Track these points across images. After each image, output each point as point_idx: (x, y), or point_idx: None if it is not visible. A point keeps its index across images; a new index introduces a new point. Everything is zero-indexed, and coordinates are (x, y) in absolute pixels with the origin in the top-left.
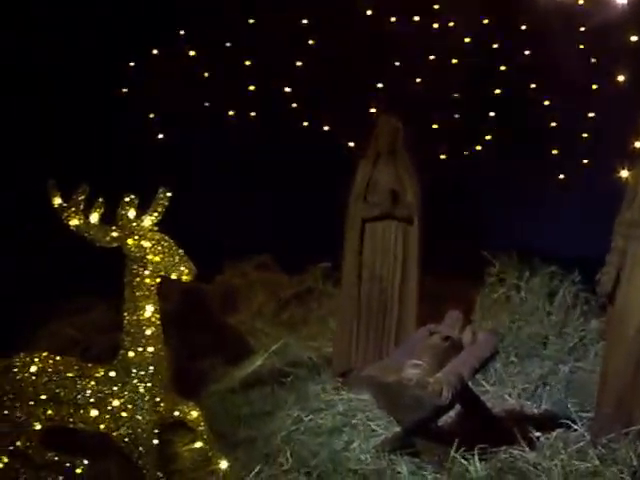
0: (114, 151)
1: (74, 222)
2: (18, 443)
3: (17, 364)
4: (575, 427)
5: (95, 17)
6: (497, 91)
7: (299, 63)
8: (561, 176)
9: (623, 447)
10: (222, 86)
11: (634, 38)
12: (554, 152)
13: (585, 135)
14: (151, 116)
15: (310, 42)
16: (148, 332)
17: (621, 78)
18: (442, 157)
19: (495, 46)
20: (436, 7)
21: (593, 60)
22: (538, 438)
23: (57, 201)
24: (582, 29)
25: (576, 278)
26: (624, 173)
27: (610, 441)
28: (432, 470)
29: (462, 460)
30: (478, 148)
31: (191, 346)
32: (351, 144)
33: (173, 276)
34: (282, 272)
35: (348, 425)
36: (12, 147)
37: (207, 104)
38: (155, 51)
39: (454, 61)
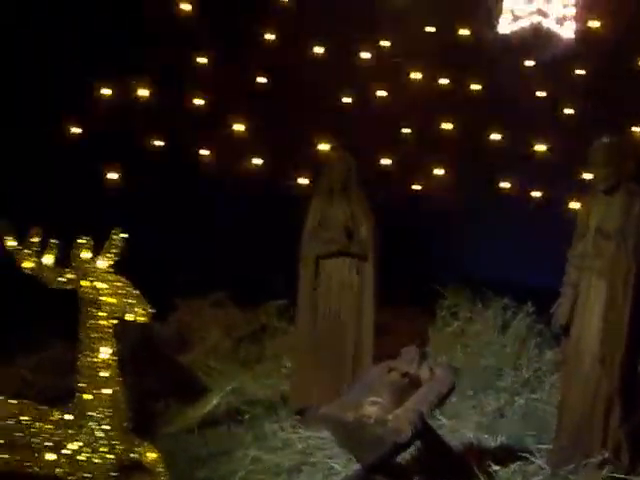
0: (67, 192)
1: (28, 264)
2: None
3: None
4: (533, 459)
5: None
6: (448, 126)
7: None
8: (514, 209)
9: (582, 478)
10: (168, 122)
11: (581, 72)
12: (506, 185)
13: (537, 167)
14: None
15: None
16: (104, 374)
17: (570, 111)
18: (394, 192)
19: (445, 81)
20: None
21: (543, 93)
22: (497, 471)
23: (10, 243)
24: (532, 63)
25: (529, 309)
26: (574, 204)
27: (569, 473)
28: None
29: None
30: (428, 183)
31: (146, 386)
32: (304, 181)
33: (129, 317)
34: (237, 309)
35: (307, 464)
36: None
37: (157, 143)
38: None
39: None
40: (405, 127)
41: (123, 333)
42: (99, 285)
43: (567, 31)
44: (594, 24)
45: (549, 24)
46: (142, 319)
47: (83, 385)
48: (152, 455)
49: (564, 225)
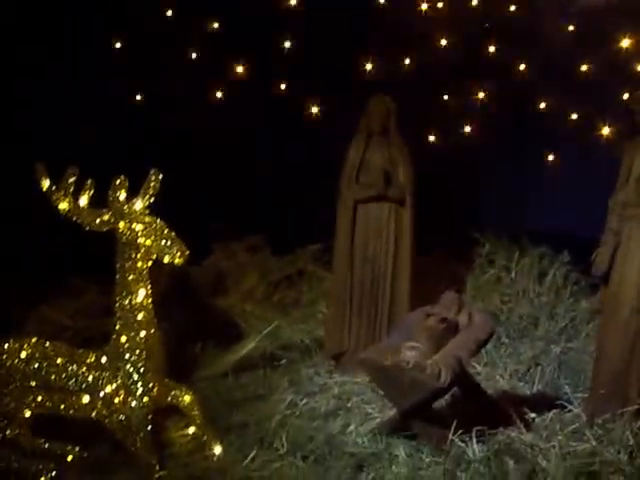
0: (103, 132)
1: (63, 206)
2: (7, 431)
3: (6, 350)
4: (570, 408)
5: None
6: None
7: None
8: (550, 157)
9: (619, 427)
10: (209, 68)
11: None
12: (542, 132)
13: (575, 116)
14: (138, 98)
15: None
16: (140, 317)
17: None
18: (432, 138)
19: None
20: None
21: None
22: (534, 419)
23: (46, 184)
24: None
25: (565, 258)
26: (605, 130)
27: (606, 421)
28: (429, 452)
29: (460, 442)
30: (467, 129)
31: (181, 330)
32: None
33: (165, 259)
34: (273, 254)
35: (343, 408)
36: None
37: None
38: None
39: (443, 42)
40: None
41: (158, 275)
42: (136, 227)
43: None
44: None
45: None
46: (178, 261)
47: (119, 327)
48: (187, 398)
49: (604, 174)
